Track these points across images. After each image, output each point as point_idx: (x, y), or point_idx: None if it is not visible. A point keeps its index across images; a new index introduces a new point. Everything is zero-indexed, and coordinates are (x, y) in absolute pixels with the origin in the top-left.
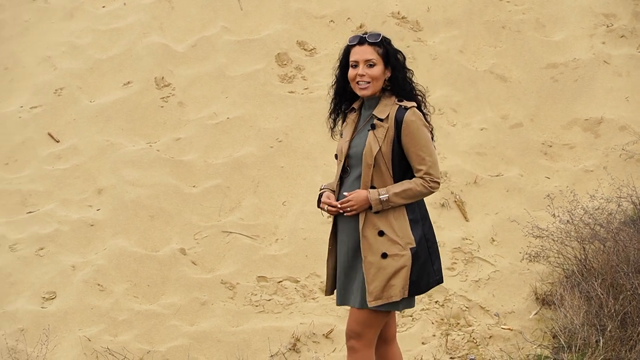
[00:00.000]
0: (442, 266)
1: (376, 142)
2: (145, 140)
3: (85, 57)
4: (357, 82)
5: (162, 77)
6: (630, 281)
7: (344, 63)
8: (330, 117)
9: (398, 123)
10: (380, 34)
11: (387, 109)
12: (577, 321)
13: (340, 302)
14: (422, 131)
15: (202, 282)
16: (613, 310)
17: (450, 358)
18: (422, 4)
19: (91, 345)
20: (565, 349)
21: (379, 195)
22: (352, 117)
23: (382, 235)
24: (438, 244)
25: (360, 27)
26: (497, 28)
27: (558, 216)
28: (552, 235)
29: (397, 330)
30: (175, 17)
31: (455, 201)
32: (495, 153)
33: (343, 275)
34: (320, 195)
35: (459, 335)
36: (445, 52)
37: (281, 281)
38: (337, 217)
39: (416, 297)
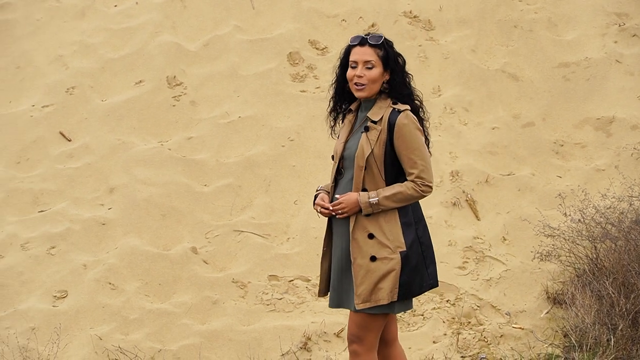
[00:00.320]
0: (453, 265)
1: (368, 144)
2: (157, 139)
3: (97, 56)
4: (355, 83)
5: (174, 76)
6: None
7: (344, 62)
8: (330, 115)
9: (391, 126)
10: (382, 36)
11: (381, 111)
12: (588, 320)
13: (336, 304)
14: (415, 134)
15: (213, 281)
16: (624, 309)
17: (462, 357)
18: (434, 3)
19: (102, 344)
20: (577, 348)
21: (369, 198)
22: (349, 118)
23: (371, 238)
24: (449, 244)
25: (372, 26)
26: (509, 27)
27: (569, 215)
28: (563, 234)
29: (409, 329)
30: (188, 16)
31: (467, 200)
32: (507, 152)
33: (337, 278)
34: (316, 197)
35: (470, 334)
36: (457, 51)
37: (292, 280)
38: (332, 220)
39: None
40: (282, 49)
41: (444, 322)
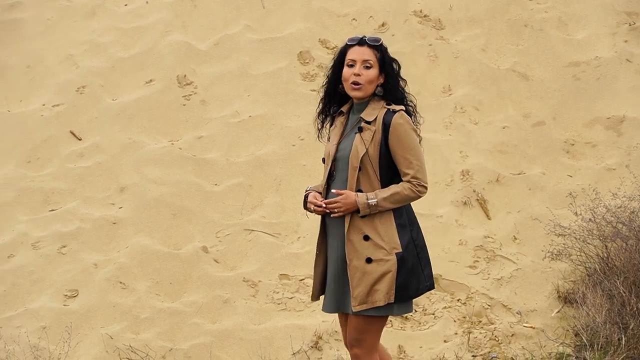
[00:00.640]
0: (464, 264)
1: (362, 144)
2: (168, 139)
3: (108, 56)
4: (352, 82)
5: (185, 76)
6: None
7: (338, 63)
8: (318, 117)
9: (386, 126)
10: (380, 39)
11: (375, 112)
12: (600, 319)
13: (334, 309)
14: (410, 134)
15: (224, 280)
16: (635, 308)
17: (473, 356)
18: (444, 2)
19: (113, 343)
20: (588, 347)
21: (368, 199)
22: (340, 120)
23: (367, 239)
24: (460, 243)
25: (383, 25)
26: (520, 26)
27: (580, 214)
28: (574, 233)
29: (420, 328)
30: (198, 16)
31: (478, 199)
32: (517, 151)
33: (334, 281)
34: (306, 197)
35: (481, 333)
36: (467, 50)
37: (303, 279)
38: (326, 222)
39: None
40: (293, 48)
41: (455, 321)
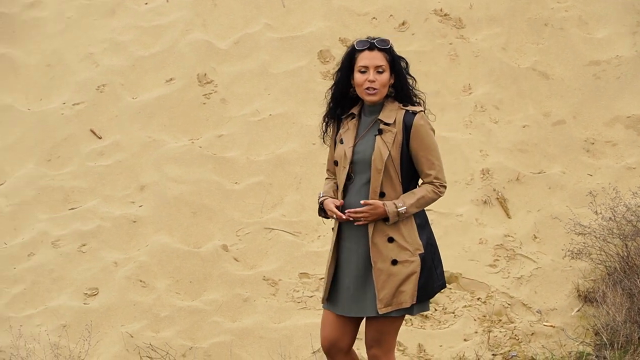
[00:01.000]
0: (484, 263)
1: (385, 147)
2: (188, 137)
3: (128, 54)
4: (366, 88)
5: (205, 74)
6: None
7: (347, 66)
8: (324, 120)
9: (407, 127)
10: (389, 41)
11: (392, 113)
12: (619, 318)
13: (356, 312)
14: (431, 136)
15: (244, 279)
16: None
17: (492, 355)
18: (464, 1)
19: (133, 342)
20: (608, 346)
21: (397, 208)
22: (352, 122)
23: (391, 241)
24: (480, 242)
25: (403, 24)
26: (540, 25)
27: (600, 213)
28: (594, 232)
29: (440, 327)
30: (218, 14)
31: (498, 198)
32: (537, 150)
33: (354, 285)
34: (321, 203)
35: (500, 332)
36: (487, 49)
37: (323, 278)
38: (343, 226)
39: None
40: (313, 47)
41: (475, 320)
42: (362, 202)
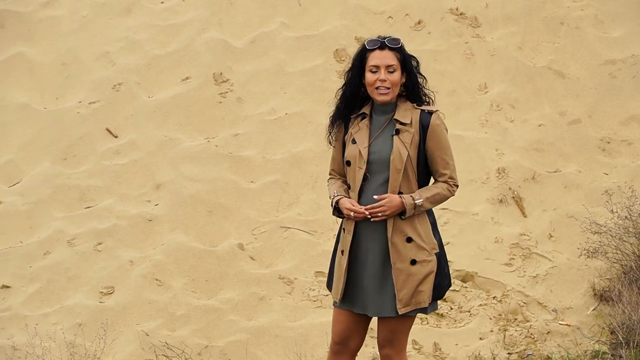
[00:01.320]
0: (500, 262)
1: (404, 147)
2: (204, 136)
3: (143, 53)
4: (377, 88)
5: (221, 73)
6: None
7: (358, 66)
8: (331, 120)
9: (424, 127)
10: (399, 39)
11: (408, 113)
12: (635, 317)
13: (376, 312)
14: (445, 135)
15: (260, 277)
16: None
17: (508, 353)
18: (480, 0)
19: (149, 340)
20: (623, 345)
21: (414, 200)
22: (363, 122)
23: (410, 241)
24: (495, 240)
25: (419, 23)
26: (556, 24)
27: (616, 212)
28: (610, 231)
29: (455, 325)
30: (234, 13)
31: (513, 197)
32: (553, 149)
33: (372, 285)
34: (337, 202)
35: (516, 330)
36: (503, 48)
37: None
38: (360, 226)
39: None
40: (329, 45)
41: (490, 318)
42: (375, 197)
